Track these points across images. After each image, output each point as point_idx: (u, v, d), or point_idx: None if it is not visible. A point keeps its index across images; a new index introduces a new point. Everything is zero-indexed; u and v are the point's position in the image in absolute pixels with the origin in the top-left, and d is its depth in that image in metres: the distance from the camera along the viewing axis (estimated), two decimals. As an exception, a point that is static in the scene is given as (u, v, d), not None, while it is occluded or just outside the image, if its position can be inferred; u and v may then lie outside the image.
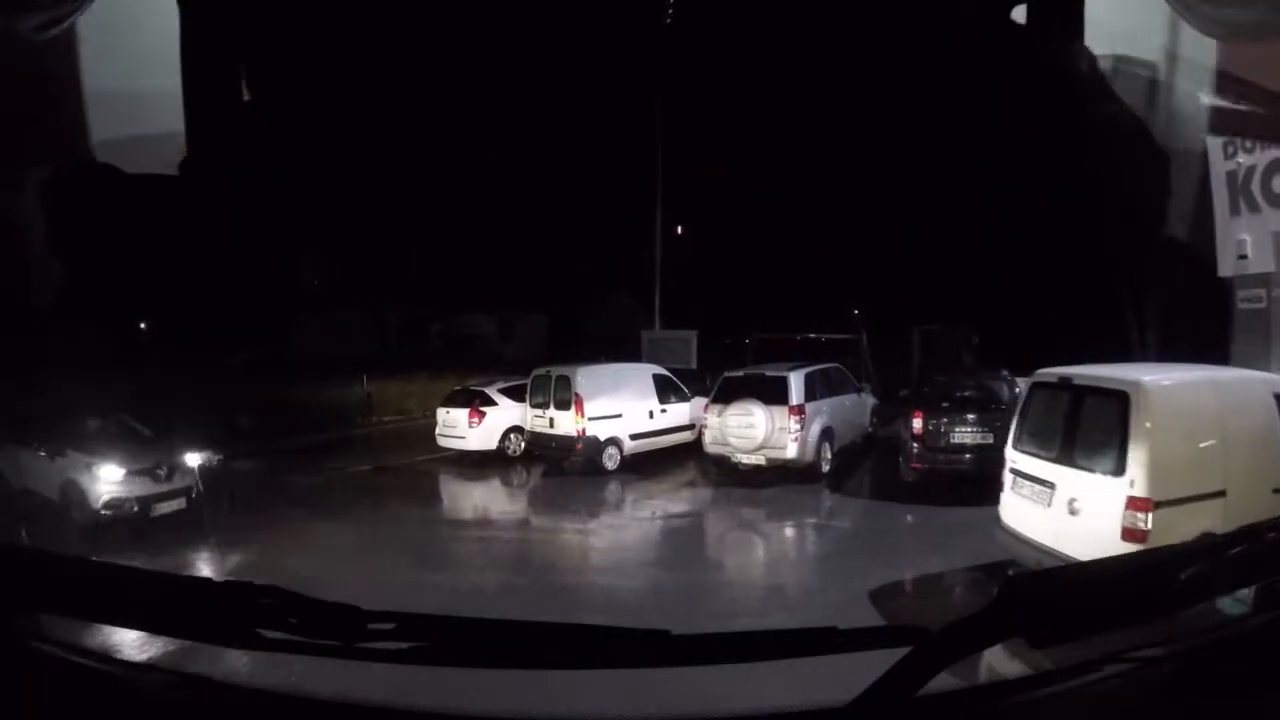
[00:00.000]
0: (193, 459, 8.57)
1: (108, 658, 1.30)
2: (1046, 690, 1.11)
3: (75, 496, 7.87)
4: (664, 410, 11.87)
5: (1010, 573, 4.54)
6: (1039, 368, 5.96)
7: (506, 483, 11.16)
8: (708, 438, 10.43)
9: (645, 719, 2.85)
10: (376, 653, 1.07)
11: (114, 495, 7.83)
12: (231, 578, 4.03)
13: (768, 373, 10.41)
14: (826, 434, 10.25)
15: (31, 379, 8.75)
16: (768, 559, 7.87)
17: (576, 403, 10.85)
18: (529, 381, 11.68)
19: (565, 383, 11.07)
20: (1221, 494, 4.64)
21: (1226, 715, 1.07)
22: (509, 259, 22.63)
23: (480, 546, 8.32)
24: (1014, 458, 5.75)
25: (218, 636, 1.14)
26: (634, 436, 11.35)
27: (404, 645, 1.07)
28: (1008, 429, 6.06)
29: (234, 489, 9.05)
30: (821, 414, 10.24)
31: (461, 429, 11.84)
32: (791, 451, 9.72)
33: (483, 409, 11.88)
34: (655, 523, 9.03)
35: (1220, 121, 7.41)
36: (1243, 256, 8.15)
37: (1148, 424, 4.70)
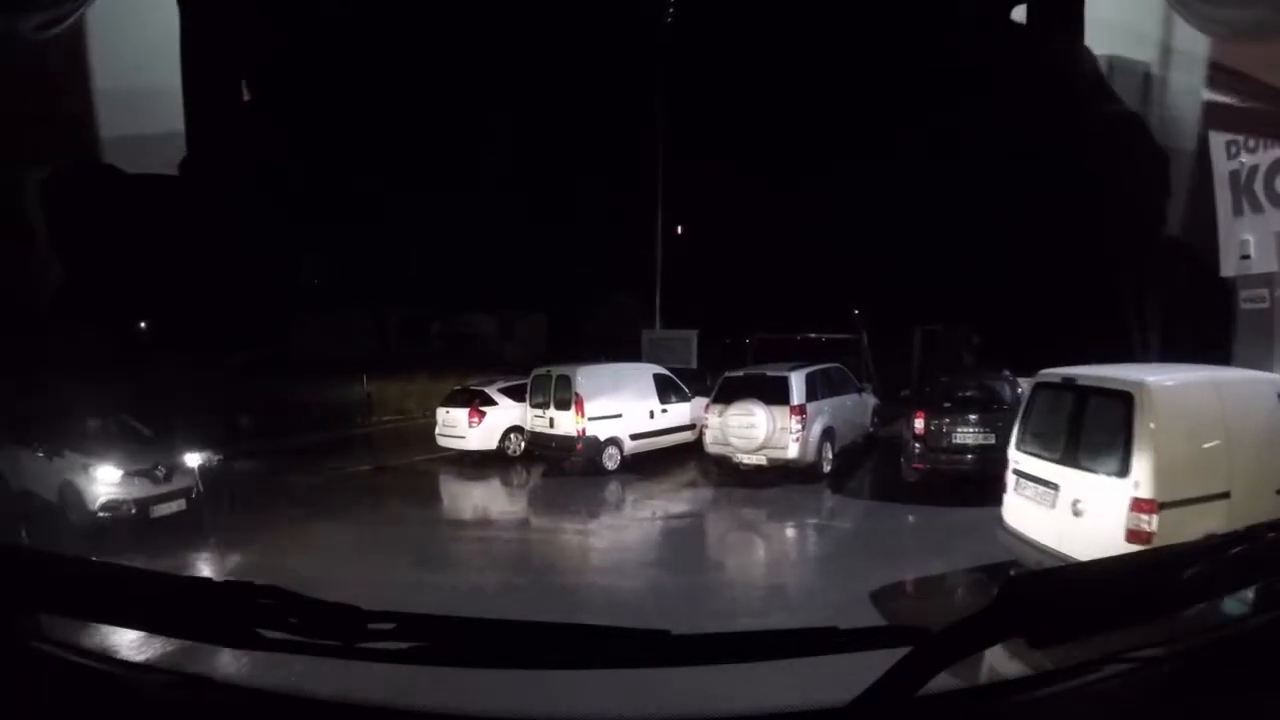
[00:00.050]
0: (193, 459, 8.54)
1: (108, 658, 1.30)
2: (1046, 690, 1.11)
3: (72, 498, 7.78)
4: (664, 410, 11.87)
5: (1011, 573, 4.52)
6: (1040, 368, 5.93)
7: (506, 483, 11.15)
8: (708, 438, 10.42)
9: (645, 719, 2.85)
10: (376, 653, 1.07)
11: (111, 497, 7.72)
12: (231, 578, 4.03)
13: (769, 373, 10.39)
14: (828, 434, 10.23)
15: (31, 379, 8.72)
16: (768, 559, 7.86)
17: (577, 403, 10.85)
18: (529, 381, 11.67)
19: (565, 382, 11.07)
20: (1226, 495, 4.61)
21: (1227, 715, 1.07)
22: (509, 259, 22.67)
23: (480, 546, 8.32)
24: (1017, 458, 5.73)
25: (218, 636, 1.14)
26: (634, 436, 11.35)
27: (404, 645, 1.07)
28: (1010, 429, 6.04)
29: (234, 489, 9.07)
30: (823, 414, 10.24)
31: (461, 429, 11.84)
32: (793, 451, 9.71)
33: (483, 409, 11.88)
34: (656, 523, 9.02)
35: (1222, 121, 7.40)
36: (1246, 256, 8.14)
37: (1152, 425, 4.68)
